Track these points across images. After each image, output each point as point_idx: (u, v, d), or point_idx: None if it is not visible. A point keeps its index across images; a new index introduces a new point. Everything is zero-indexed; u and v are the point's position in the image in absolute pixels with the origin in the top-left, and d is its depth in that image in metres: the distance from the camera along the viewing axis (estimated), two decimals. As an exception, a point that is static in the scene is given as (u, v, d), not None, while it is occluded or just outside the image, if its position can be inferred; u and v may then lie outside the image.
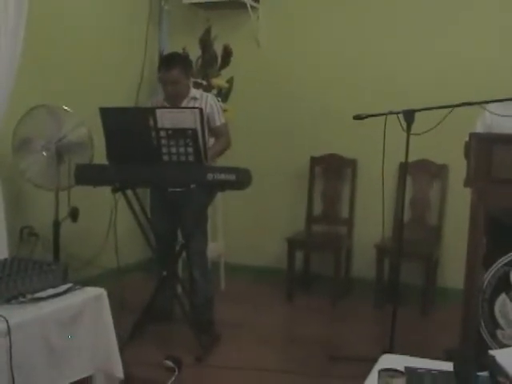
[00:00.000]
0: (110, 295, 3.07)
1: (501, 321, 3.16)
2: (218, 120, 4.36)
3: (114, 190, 3.94)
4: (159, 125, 3.75)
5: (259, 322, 4.71)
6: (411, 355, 2.33)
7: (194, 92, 4.37)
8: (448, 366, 2.10)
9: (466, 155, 3.56)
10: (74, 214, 4.31)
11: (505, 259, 3.14)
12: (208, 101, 4.33)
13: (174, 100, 4.27)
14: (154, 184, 4.11)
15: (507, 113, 3.48)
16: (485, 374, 2.02)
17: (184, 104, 4.28)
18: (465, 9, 5.08)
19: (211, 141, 4.35)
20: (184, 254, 4.42)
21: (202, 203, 4.11)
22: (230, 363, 3.91)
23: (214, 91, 5.14)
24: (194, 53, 5.27)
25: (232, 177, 3.72)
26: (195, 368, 3.85)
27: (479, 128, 3.78)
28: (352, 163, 5.51)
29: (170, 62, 4.25)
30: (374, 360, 2.31)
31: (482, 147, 3.10)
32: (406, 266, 4.31)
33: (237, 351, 4.14)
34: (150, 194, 4.50)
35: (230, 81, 5.37)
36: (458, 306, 3.39)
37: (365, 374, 2.16)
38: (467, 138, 3.50)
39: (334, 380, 3.75)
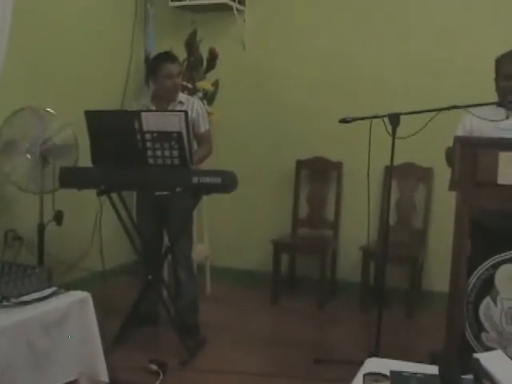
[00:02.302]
0: (94, 299, 3.06)
1: (485, 324, 3.18)
2: (203, 126, 4.37)
3: (99, 193, 3.93)
4: (144, 128, 3.74)
5: (245, 325, 4.71)
6: (396, 358, 2.34)
7: (180, 96, 4.37)
8: (433, 370, 2.10)
9: (448, 161, 3.59)
10: (58, 218, 4.29)
11: (489, 262, 3.15)
12: (194, 106, 4.34)
13: (166, 100, 4.28)
14: (139, 187, 4.10)
15: (492, 117, 3.49)
16: (470, 377, 2.03)
17: (171, 108, 4.28)
18: (451, 15, 5.10)
19: (194, 146, 4.35)
20: (169, 258, 4.42)
21: (188, 206, 4.10)
22: (215, 367, 3.90)
23: (200, 94, 5.14)
24: (180, 55, 5.22)
25: (217, 180, 3.71)
26: (180, 372, 3.83)
27: (459, 132, 3.78)
28: (338, 166, 5.51)
29: (173, 56, 4.34)
30: (360, 363, 2.31)
31: (467, 151, 3.11)
32: (392, 269, 4.32)
33: (222, 355, 4.13)
34: (135, 198, 4.47)
35: (216, 84, 5.37)
36: (442, 309, 3.39)
37: (350, 377, 2.16)
38: (448, 145, 3.53)
39: (319, 383, 3.75)
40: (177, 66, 4.29)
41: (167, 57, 4.32)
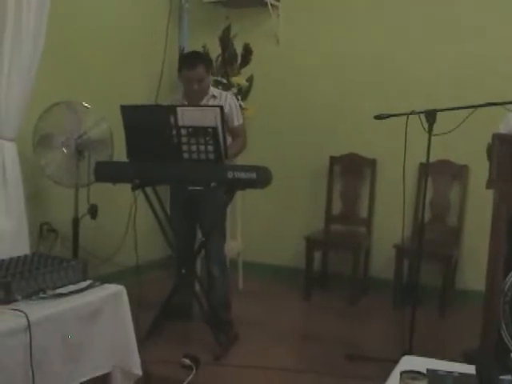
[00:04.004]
0: (128, 293, 3.07)
1: (522, 323, 3.14)
2: (237, 120, 4.36)
3: (134, 188, 3.95)
4: (180, 123, 3.75)
5: (276, 321, 4.70)
6: (429, 356, 2.32)
7: (212, 90, 4.37)
8: (469, 369, 2.08)
9: (489, 158, 3.54)
10: (93, 211, 4.34)
11: (527, 261, 3.11)
12: (227, 100, 4.33)
13: (196, 98, 4.27)
14: (173, 182, 4.11)
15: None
16: (507, 377, 2.00)
17: (204, 102, 4.28)
18: (487, 9, 5.04)
19: (228, 140, 4.35)
20: (202, 252, 4.43)
21: (222, 201, 4.11)
22: (248, 362, 3.90)
23: (234, 89, 5.14)
24: (214, 51, 5.27)
25: (252, 175, 3.71)
26: (213, 367, 3.84)
27: (502, 130, 3.74)
28: (371, 163, 5.48)
29: (194, 59, 4.24)
30: (392, 361, 2.30)
31: (506, 148, 3.08)
32: (425, 267, 4.27)
33: (254, 350, 4.13)
34: (170, 193, 4.49)
35: (250, 79, 5.37)
36: (476, 307, 3.37)
37: (382, 375, 2.15)
38: (490, 141, 3.48)
39: (350, 380, 3.73)
40: (199, 70, 4.17)
41: (187, 61, 4.25)
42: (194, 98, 4.28)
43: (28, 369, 2.49)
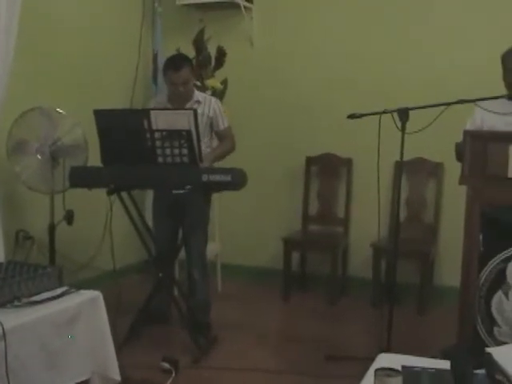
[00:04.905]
0: (105, 298, 3.07)
1: (497, 318, 3.15)
2: (222, 124, 4.37)
3: (109, 192, 3.93)
4: (153, 126, 3.74)
5: (256, 323, 4.70)
6: (408, 354, 2.33)
7: (197, 95, 4.36)
8: (445, 365, 2.09)
9: (457, 156, 3.57)
10: (69, 217, 4.30)
11: (501, 256, 3.13)
12: (212, 105, 4.33)
13: (181, 101, 4.26)
14: (148, 186, 4.10)
15: (501, 111, 3.47)
16: (482, 371, 2.02)
17: (188, 107, 4.25)
18: (457, 9, 5.08)
19: (214, 143, 4.36)
20: (181, 256, 4.42)
21: (200, 204, 4.10)
22: (227, 364, 3.90)
23: (209, 92, 5.13)
24: (188, 54, 5.23)
25: (227, 177, 3.71)
26: (192, 370, 3.84)
27: (469, 127, 3.75)
28: (347, 162, 5.50)
29: (180, 62, 4.24)
30: (371, 359, 2.30)
31: (477, 145, 3.10)
32: (403, 265, 4.30)
33: (234, 352, 4.13)
34: (153, 197, 4.48)
35: (224, 82, 5.37)
36: (454, 304, 3.38)
37: (362, 374, 2.16)
38: (458, 140, 3.51)
39: (330, 380, 3.74)
40: (182, 74, 4.17)
41: (173, 64, 4.23)
42: (179, 102, 4.27)
43: (3, 377, 2.47)
